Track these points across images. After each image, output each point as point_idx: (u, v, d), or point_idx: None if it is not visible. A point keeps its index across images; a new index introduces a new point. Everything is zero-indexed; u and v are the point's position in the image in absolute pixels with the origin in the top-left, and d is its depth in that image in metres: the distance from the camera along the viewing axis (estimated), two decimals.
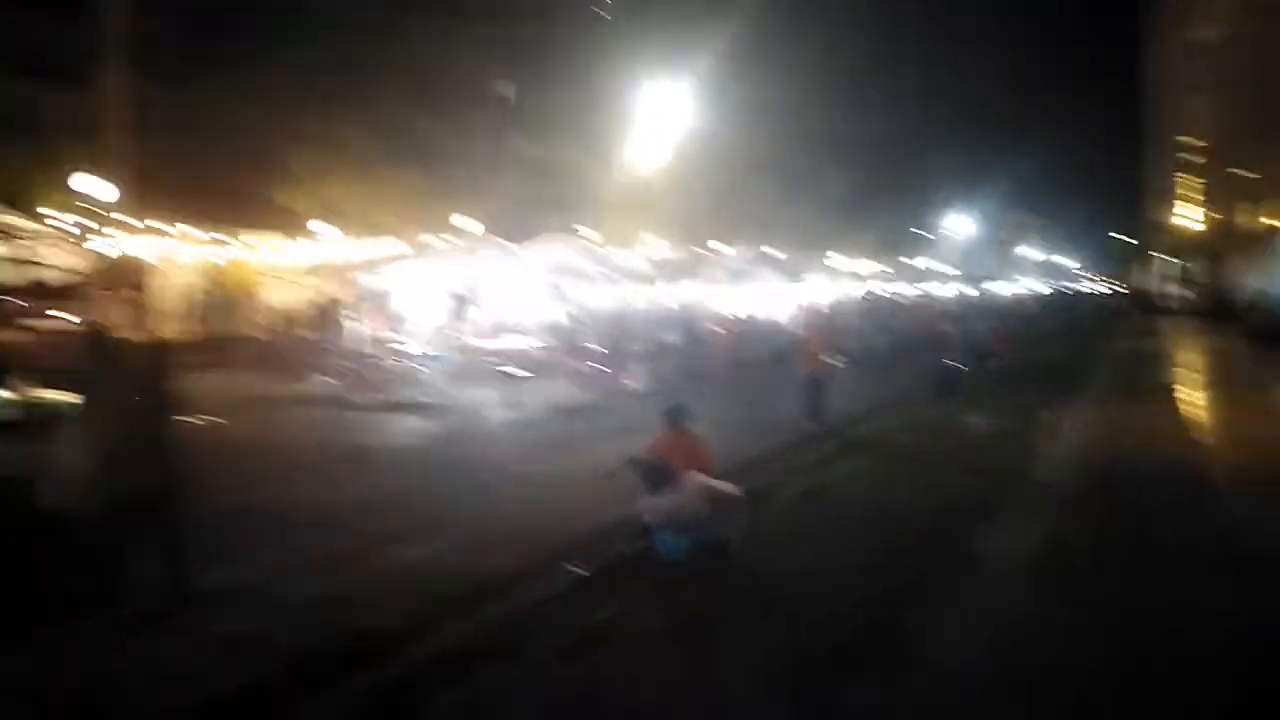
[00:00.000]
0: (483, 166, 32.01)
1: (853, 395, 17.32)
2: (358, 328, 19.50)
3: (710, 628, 6.19)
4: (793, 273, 28.64)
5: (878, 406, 16.03)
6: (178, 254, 27.33)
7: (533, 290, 21.75)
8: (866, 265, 46.67)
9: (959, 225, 63.46)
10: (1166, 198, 41.37)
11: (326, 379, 17.68)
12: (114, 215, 27.20)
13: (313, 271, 19.72)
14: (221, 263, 26.57)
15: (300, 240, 30.50)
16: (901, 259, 56.54)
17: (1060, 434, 12.57)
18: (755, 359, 23.33)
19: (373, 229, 30.89)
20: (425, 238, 27.81)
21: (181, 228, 28.23)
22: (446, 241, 24.42)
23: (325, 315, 20.46)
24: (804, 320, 19.05)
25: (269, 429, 13.67)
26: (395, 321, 20.16)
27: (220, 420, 10.99)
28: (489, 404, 16.41)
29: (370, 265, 19.39)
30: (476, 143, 32.23)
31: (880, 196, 59.93)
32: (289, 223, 31.88)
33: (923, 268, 53.86)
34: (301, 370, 19.32)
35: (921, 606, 6.33)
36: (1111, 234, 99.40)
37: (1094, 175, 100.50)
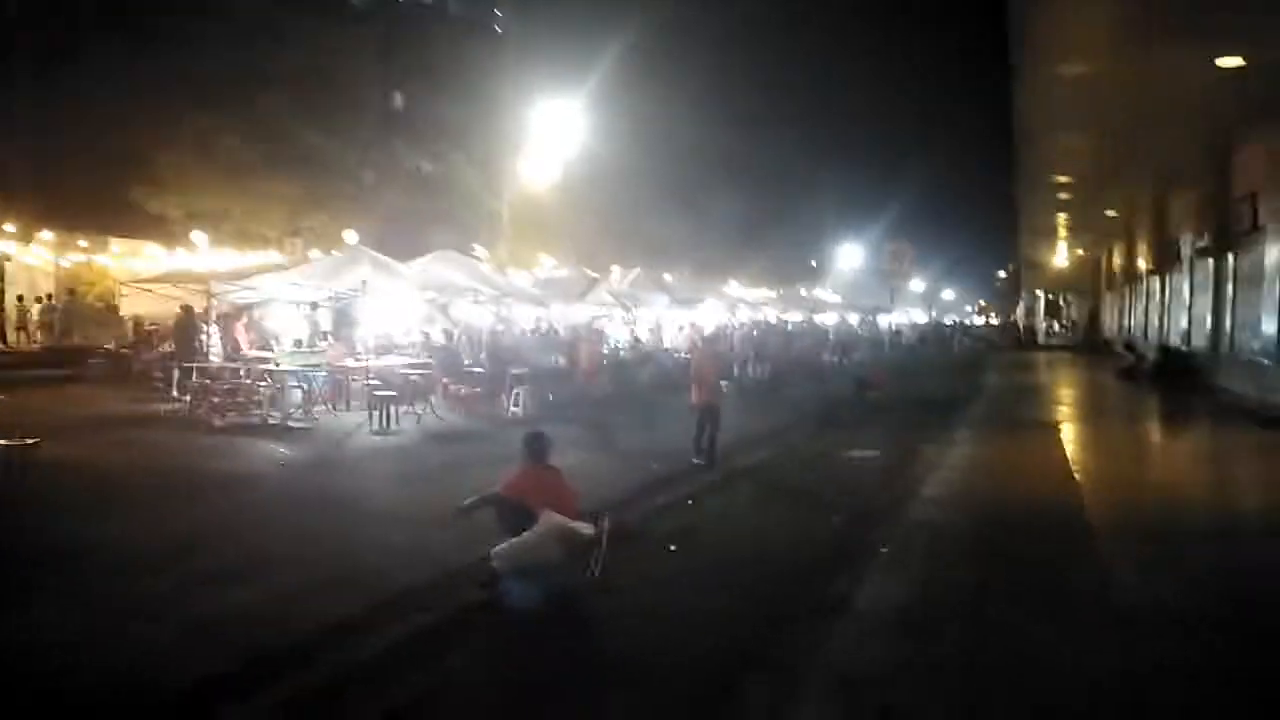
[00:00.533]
0: (368, 178, 30.94)
1: (734, 425, 16.97)
2: (219, 343, 18.29)
3: (546, 695, 5.54)
4: (685, 298, 28.30)
5: (758, 437, 15.66)
6: (34, 261, 25.50)
7: (414, 308, 20.82)
8: (760, 293, 46.93)
9: (848, 256, 64.66)
10: (1042, 233, 42.61)
11: (182, 397, 16.49)
12: None
13: (169, 280, 18.26)
14: (78, 271, 24.84)
15: (176, 250, 28.85)
16: (798, 287, 57.28)
17: (939, 470, 12.33)
18: (643, 384, 22.91)
19: (249, 239, 29.47)
20: (302, 249, 26.60)
21: (42, 234, 26.41)
22: (324, 254, 23.23)
23: (184, 329, 19.12)
24: (692, 346, 18.68)
25: (100, 452, 12.46)
26: (261, 337, 19.00)
27: (33, 441, 9.88)
28: (355, 428, 15.48)
29: (235, 275, 18.12)
30: (363, 154, 31.15)
31: (773, 224, 60.90)
32: (163, 231, 30.22)
33: (812, 296, 54.51)
34: (156, 387, 18.08)
35: (776, 668, 5.79)
36: (998, 271, 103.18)
37: (977, 208, 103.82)
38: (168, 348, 19.73)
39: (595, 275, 25.25)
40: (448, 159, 33.49)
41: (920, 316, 66.74)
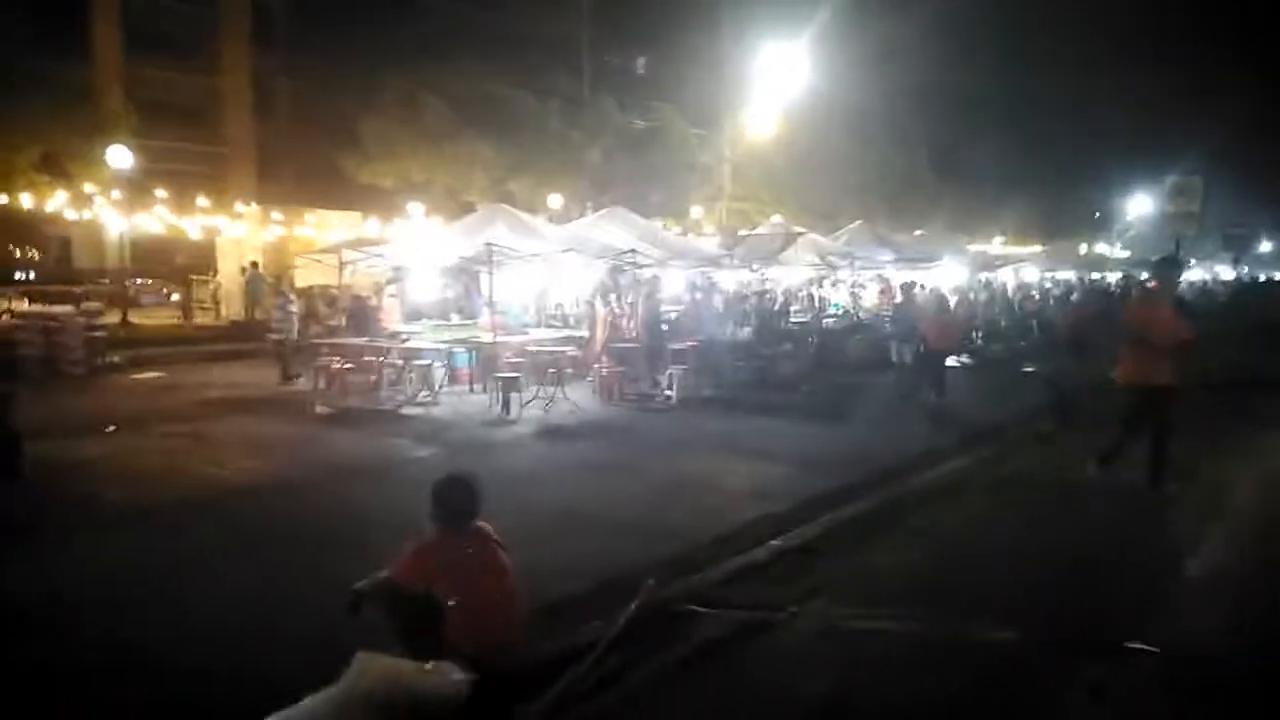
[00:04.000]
0: (575, 139, 28.48)
1: (948, 416, 12.85)
2: (366, 317, 16.37)
3: None
4: (914, 255, 23.58)
5: (975, 434, 11.47)
6: (248, 235, 25.23)
7: (587, 275, 18.03)
8: (1022, 249, 40.35)
9: (1139, 205, 55.02)
10: None
11: (317, 376, 14.63)
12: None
13: (334, 250, 16.48)
14: (281, 244, 24.22)
15: (394, 220, 27.95)
16: (1074, 242, 49.39)
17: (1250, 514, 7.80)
18: (850, 359, 18.89)
19: (457, 208, 27.93)
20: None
21: (249, 207, 26.18)
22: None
23: (345, 303, 17.42)
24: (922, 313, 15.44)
25: (144, 448, 10.60)
26: (406, 311, 16.92)
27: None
28: (465, 418, 12.90)
29: (375, 243, 16.09)
30: (568, 114, 28.73)
31: (1047, 171, 52.90)
32: (380, 203, 29.48)
33: (1090, 253, 46.67)
34: (301, 365, 16.44)
35: None
36: None
37: None
38: (338, 323, 18.15)
39: (800, 230, 21.20)
40: (659, 115, 30.41)
41: (1228, 273, 55.60)
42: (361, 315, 15.97)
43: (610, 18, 33.96)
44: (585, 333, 15.75)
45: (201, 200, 24.39)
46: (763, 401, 14.24)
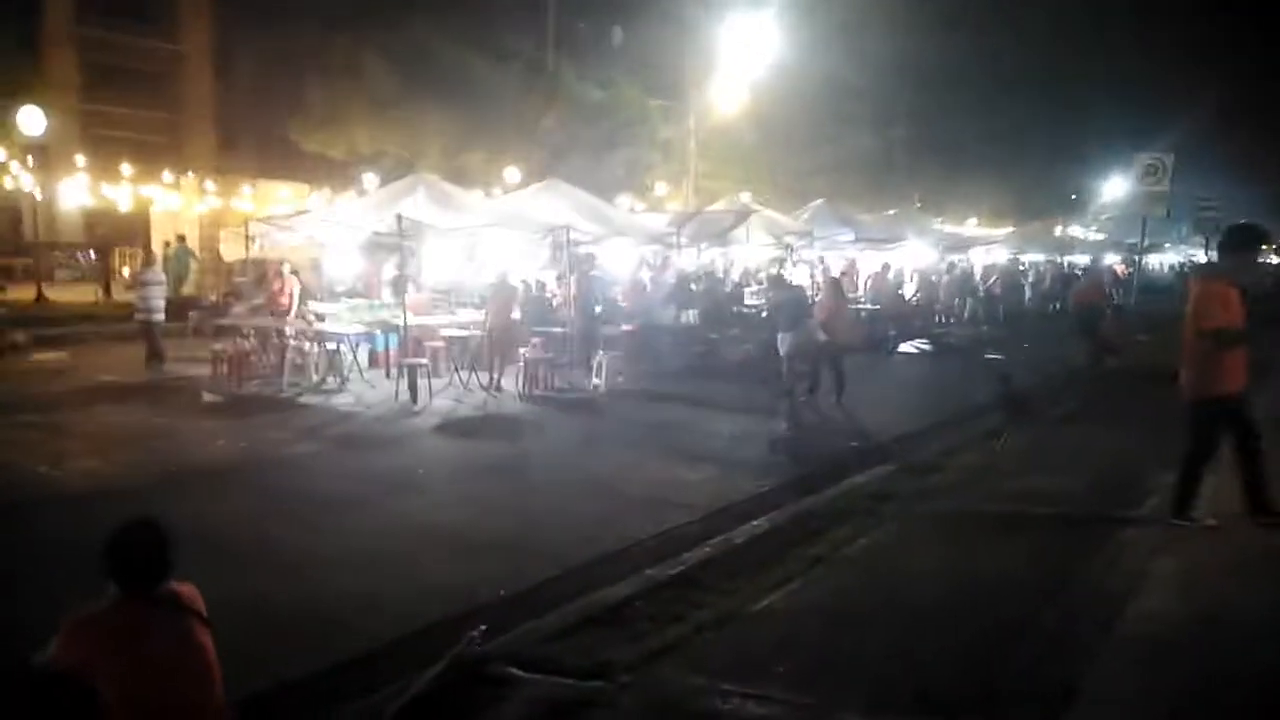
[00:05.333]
0: (530, 110, 26.97)
1: (884, 411, 11.64)
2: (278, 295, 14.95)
3: None
4: (877, 236, 22.31)
5: (902, 436, 10.28)
6: (181, 207, 23.67)
7: (522, 251, 16.65)
8: (993, 230, 39.12)
9: (1115, 188, 53.75)
10: None
11: (215, 361, 13.24)
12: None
13: (269, 222, 15.02)
14: (217, 216, 22.61)
15: (343, 191, 26.45)
16: (1049, 223, 48.17)
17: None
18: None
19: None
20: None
21: (181, 178, 24.60)
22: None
23: (259, 279, 16.01)
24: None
25: (10, 440, 9.29)
26: (319, 288, 15.55)
27: None
28: (366, 407, 11.62)
29: (286, 219, 14.68)
30: (525, 81, 27.19)
31: (1023, 151, 51.53)
32: (333, 174, 27.97)
33: (1065, 235, 45.47)
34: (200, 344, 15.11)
35: None
36: None
37: (1273, 123, 77.52)
38: (260, 301, 16.70)
39: (754, 208, 19.87)
40: (619, 86, 28.84)
41: (1202, 256, 54.36)
42: (253, 293, 14.58)
43: None
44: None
45: (125, 168, 22.77)
46: (698, 392, 13.01)
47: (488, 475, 8.66)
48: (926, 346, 18.92)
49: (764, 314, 15.70)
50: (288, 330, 13.18)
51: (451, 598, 5.56)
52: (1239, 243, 6.33)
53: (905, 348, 18.83)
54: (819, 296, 13.05)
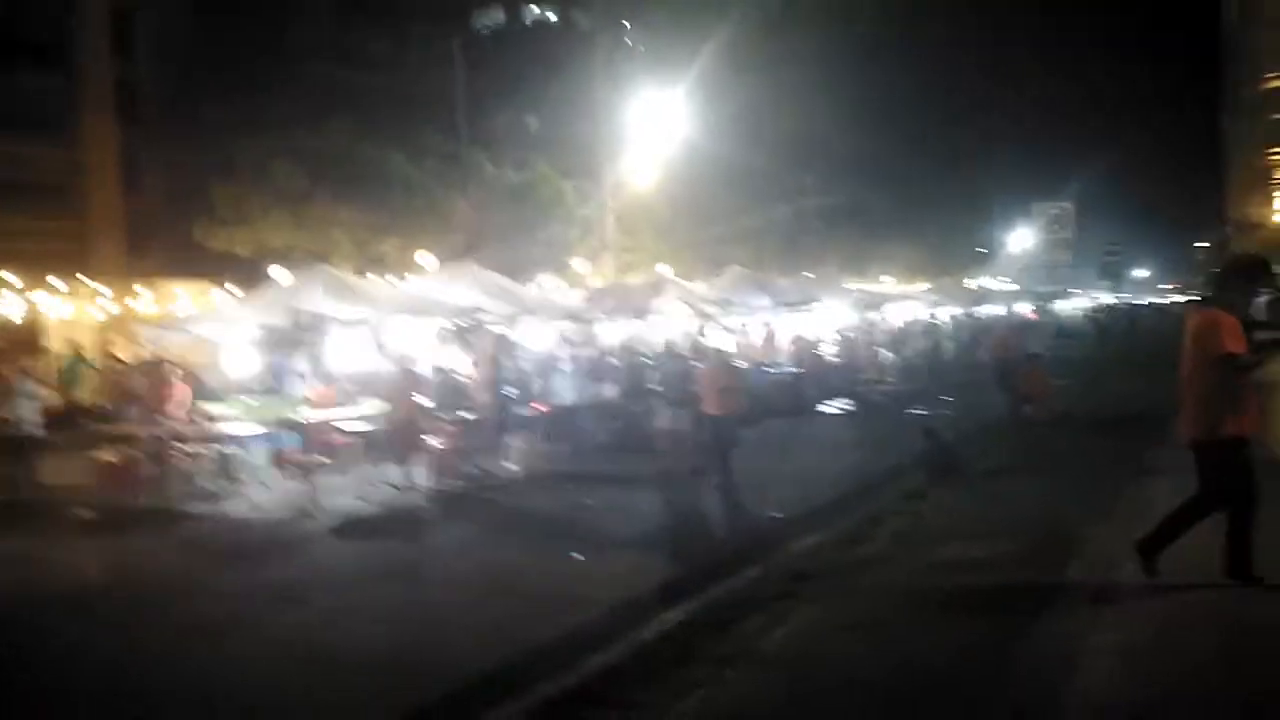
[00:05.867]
0: (441, 195, 26.54)
1: (808, 476, 11.07)
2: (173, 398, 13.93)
3: None
4: (793, 300, 22.11)
5: (826, 504, 9.72)
6: (74, 313, 22.51)
7: (423, 336, 15.94)
8: (908, 287, 39.69)
9: (1020, 239, 55.27)
10: (1259, 186, 32.93)
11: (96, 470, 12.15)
12: None
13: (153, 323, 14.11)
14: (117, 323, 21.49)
15: (252, 288, 25.48)
16: (960, 277, 49.19)
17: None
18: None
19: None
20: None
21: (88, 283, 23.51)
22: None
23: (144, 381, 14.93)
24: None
25: None
26: (217, 388, 14.59)
27: None
28: (269, 517, 10.69)
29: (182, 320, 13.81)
30: (436, 170, 26.81)
31: (929, 211, 52.77)
32: (243, 272, 27.02)
33: (979, 287, 46.39)
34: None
35: None
36: (1196, 243, 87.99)
37: (1170, 167, 78.86)
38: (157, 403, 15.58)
39: (667, 278, 19.56)
40: (534, 168, 28.66)
41: (1106, 298, 55.84)
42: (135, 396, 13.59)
43: (487, 74, 32.45)
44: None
45: (14, 278, 21.61)
46: (615, 469, 12.31)
47: (381, 581, 7.85)
48: (849, 406, 18.59)
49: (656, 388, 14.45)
50: (173, 435, 12.20)
51: None
52: (1247, 275, 5.82)
53: (828, 408, 18.48)
54: (703, 368, 11.76)
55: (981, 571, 6.55)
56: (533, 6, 42.21)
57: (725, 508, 10.08)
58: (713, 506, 10.14)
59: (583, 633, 6.27)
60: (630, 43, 39.94)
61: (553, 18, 41.94)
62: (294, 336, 12.93)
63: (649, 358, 17.27)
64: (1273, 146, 25.66)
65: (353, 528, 9.89)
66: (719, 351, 12.56)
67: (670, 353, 12.64)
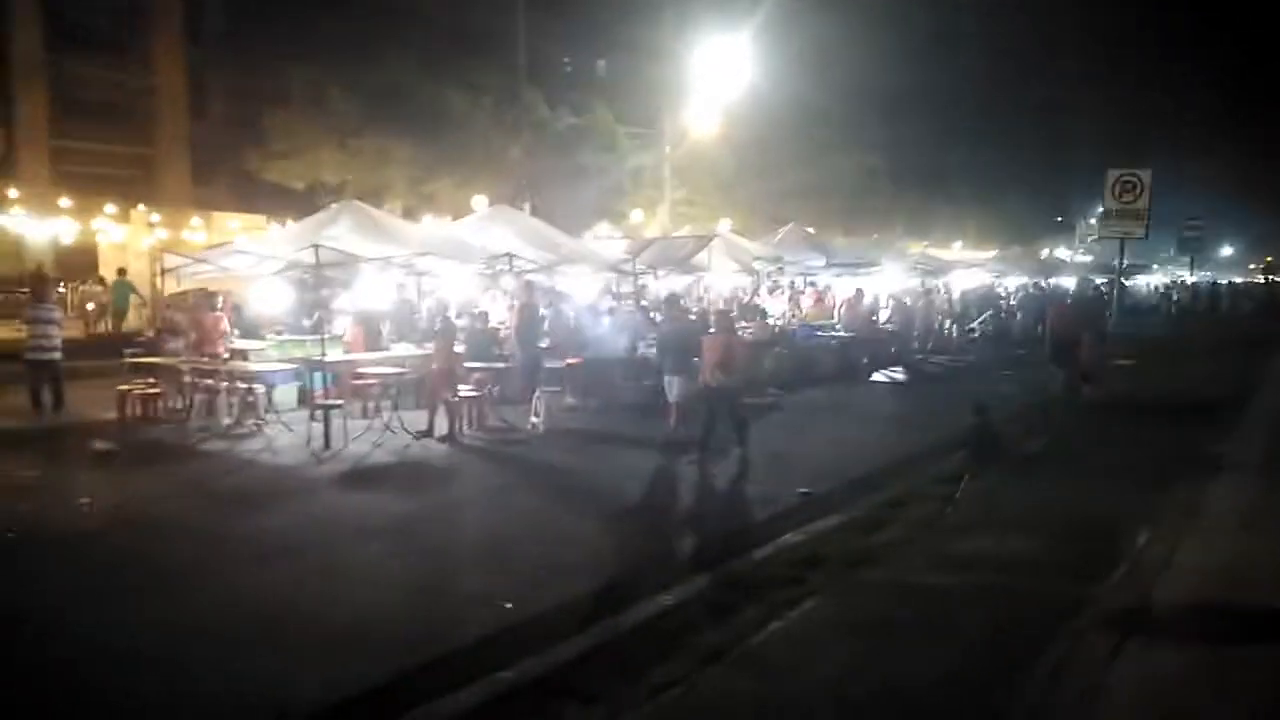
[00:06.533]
0: (498, 137, 25.99)
1: (845, 450, 10.49)
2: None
3: None
4: (849, 261, 21.20)
5: (857, 479, 9.13)
6: (128, 239, 22.64)
7: (460, 284, 15.60)
8: (977, 254, 38.12)
9: (1097, 211, 52.66)
10: None
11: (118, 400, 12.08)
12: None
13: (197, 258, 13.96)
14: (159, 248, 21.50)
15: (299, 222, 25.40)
16: (1034, 247, 47.27)
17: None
18: (764, 378, 16.48)
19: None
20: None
21: (141, 209, 23.62)
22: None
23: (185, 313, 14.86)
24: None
25: None
26: (247, 324, 14.43)
27: None
28: (275, 452, 10.48)
29: (199, 251, 13.63)
30: (493, 110, 26.23)
31: (1009, 176, 50.62)
32: (296, 205, 26.93)
33: (1050, 258, 44.48)
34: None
35: None
36: None
37: (1262, 140, 73.38)
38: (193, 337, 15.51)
39: (718, 234, 18.82)
40: (592, 112, 27.90)
41: (1188, 277, 53.06)
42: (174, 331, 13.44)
43: (553, 14, 31.65)
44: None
45: (64, 201, 21.76)
46: (641, 431, 11.77)
47: (375, 537, 7.50)
48: (900, 375, 17.78)
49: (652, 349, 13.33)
50: (201, 371, 12.05)
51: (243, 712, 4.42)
52: None
53: (878, 376, 17.70)
54: (710, 331, 10.70)
55: (999, 573, 5.91)
56: None
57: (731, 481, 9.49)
58: (720, 480, 9.55)
59: (565, 612, 5.81)
60: None
61: None
62: (319, 275, 12.61)
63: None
64: None
65: (360, 477, 9.58)
66: (724, 314, 11.81)
67: (671, 311, 11.79)
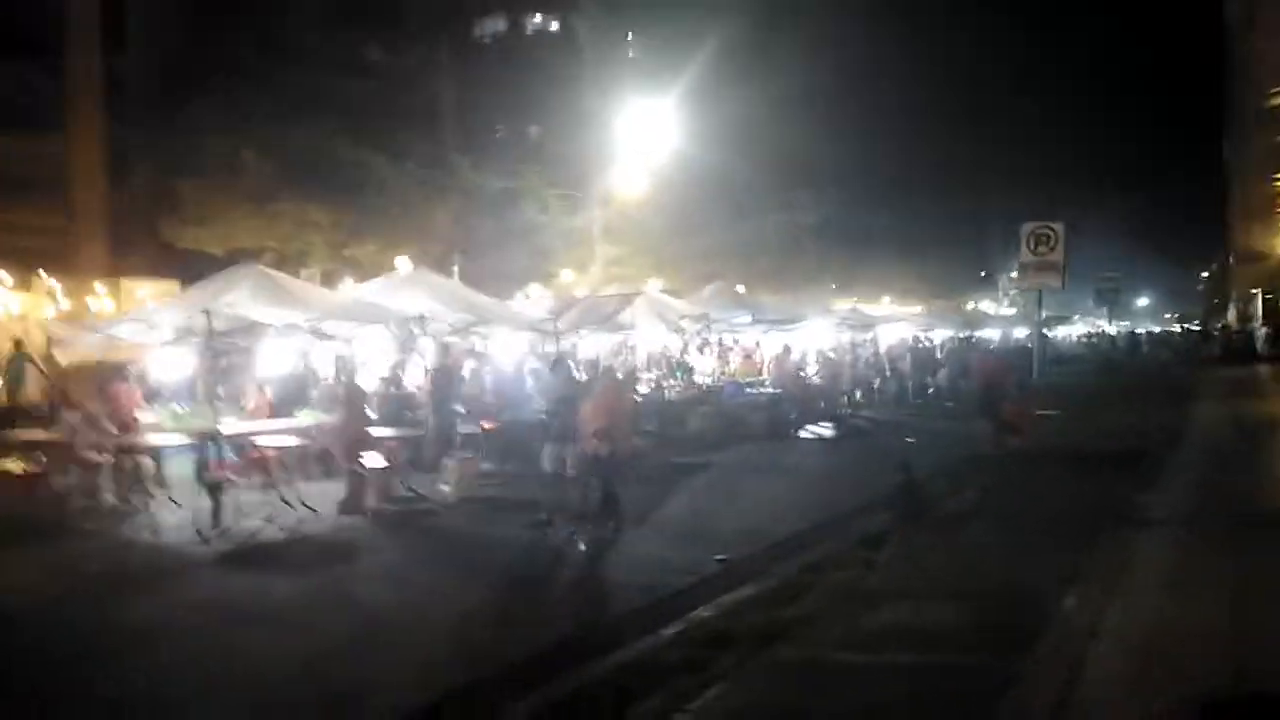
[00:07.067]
0: (419, 200, 25.53)
1: (766, 511, 10.02)
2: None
3: None
4: (775, 318, 21.00)
5: (776, 544, 8.65)
6: (28, 309, 21.45)
7: (374, 348, 14.90)
8: (902, 309, 38.55)
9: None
10: (1259, 209, 31.79)
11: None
12: None
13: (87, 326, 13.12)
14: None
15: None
16: (958, 301, 48.25)
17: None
18: (690, 437, 16.04)
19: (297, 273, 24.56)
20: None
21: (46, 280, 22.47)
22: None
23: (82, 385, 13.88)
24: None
25: None
26: (149, 395, 13.54)
27: None
28: (160, 538, 9.63)
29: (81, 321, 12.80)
30: (418, 174, 25.81)
31: (932, 235, 51.76)
32: (206, 270, 25.99)
33: (975, 310, 45.29)
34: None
35: None
36: (1201, 273, 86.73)
37: (1174, 197, 76.68)
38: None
39: (639, 291, 18.53)
40: (524, 176, 27.65)
41: (1107, 327, 54.39)
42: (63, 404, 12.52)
43: (480, 83, 31.62)
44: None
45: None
46: (550, 499, 11.14)
47: (243, 624, 6.76)
48: (828, 431, 17.47)
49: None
50: (92, 445, 11.15)
51: None
52: None
53: (805, 433, 17.37)
54: (595, 395, 9.82)
55: (921, 649, 5.42)
56: (535, 16, 41.38)
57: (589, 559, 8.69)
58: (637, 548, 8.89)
59: None
60: (630, 54, 39.26)
61: (554, 26, 41.06)
62: (220, 342, 11.86)
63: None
64: (1275, 172, 24.54)
65: (246, 556, 8.81)
66: (608, 371, 11.24)
67: (558, 369, 11.20)
